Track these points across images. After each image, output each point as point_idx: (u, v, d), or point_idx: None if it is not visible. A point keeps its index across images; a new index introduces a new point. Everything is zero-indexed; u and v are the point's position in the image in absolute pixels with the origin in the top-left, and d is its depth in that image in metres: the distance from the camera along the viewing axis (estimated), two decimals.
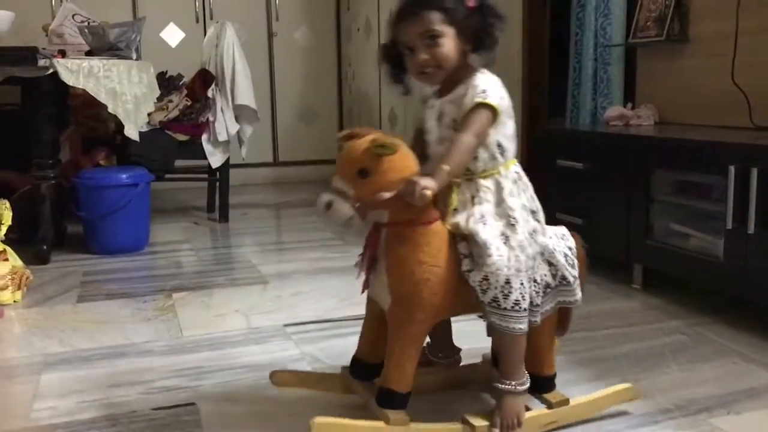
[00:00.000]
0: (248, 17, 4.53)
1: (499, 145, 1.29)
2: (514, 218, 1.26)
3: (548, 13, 3.56)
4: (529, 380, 1.34)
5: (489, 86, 1.25)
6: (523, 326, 1.26)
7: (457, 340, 1.55)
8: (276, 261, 2.76)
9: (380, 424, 1.26)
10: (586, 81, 2.90)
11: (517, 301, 1.23)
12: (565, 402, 1.37)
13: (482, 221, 1.25)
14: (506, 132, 1.30)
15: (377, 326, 1.35)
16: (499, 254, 1.22)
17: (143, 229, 2.91)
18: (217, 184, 3.56)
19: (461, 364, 1.56)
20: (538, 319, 1.30)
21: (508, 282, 1.22)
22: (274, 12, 4.79)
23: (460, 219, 1.27)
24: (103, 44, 2.84)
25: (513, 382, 1.31)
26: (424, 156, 1.34)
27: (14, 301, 2.18)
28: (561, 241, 1.35)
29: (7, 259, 2.22)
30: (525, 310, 1.25)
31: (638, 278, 2.26)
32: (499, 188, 1.28)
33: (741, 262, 1.83)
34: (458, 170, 1.24)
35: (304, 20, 4.90)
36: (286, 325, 1.96)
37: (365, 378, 1.40)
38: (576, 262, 1.35)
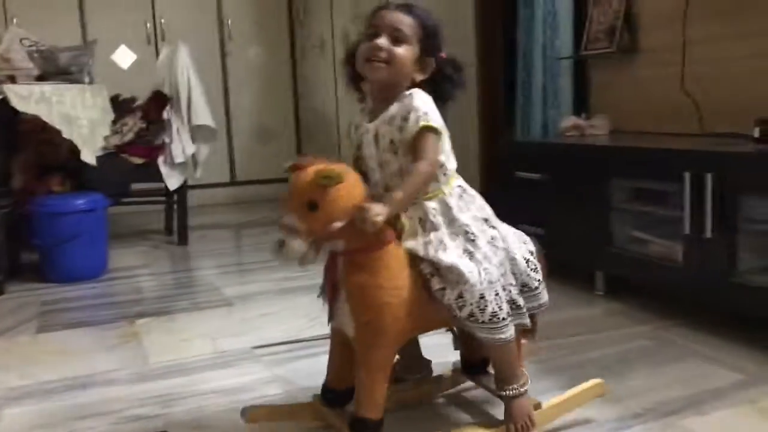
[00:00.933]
0: (200, 37, 4.50)
1: (441, 165, 1.29)
2: (471, 233, 1.27)
3: (501, 27, 3.62)
4: (529, 378, 1.36)
5: (428, 107, 1.26)
6: (507, 335, 1.27)
7: (428, 354, 1.56)
8: (239, 282, 2.73)
9: None
10: (536, 93, 2.95)
11: (494, 312, 1.25)
12: (538, 406, 1.39)
13: (441, 247, 1.25)
14: (445, 149, 1.31)
15: (343, 353, 1.35)
16: (469, 271, 1.23)
17: (101, 255, 2.85)
18: (175, 206, 3.52)
19: (433, 375, 1.57)
20: (525, 319, 1.31)
21: (482, 297, 1.24)
22: (227, 31, 4.77)
23: (417, 246, 1.27)
24: (54, 68, 2.79)
25: (515, 386, 1.34)
26: (366, 181, 1.33)
27: None
28: (522, 245, 1.36)
29: None
30: (503, 319, 1.26)
31: (600, 285, 2.30)
32: (446, 208, 1.29)
33: (699, 266, 1.88)
34: (410, 199, 1.24)
35: (257, 39, 4.89)
36: (254, 348, 1.94)
37: (336, 405, 1.39)
38: (538, 266, 1.36)
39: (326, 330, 1.95)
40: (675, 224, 1.97)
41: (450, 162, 1.32)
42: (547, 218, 2.40)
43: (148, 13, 4.58)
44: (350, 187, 1.19)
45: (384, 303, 1.21)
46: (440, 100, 1.31)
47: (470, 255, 1.26)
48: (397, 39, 1.27)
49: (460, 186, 1.33)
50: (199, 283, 2.79)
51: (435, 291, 1.25)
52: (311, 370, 1.72)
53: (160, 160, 3.32)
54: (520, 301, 1.31)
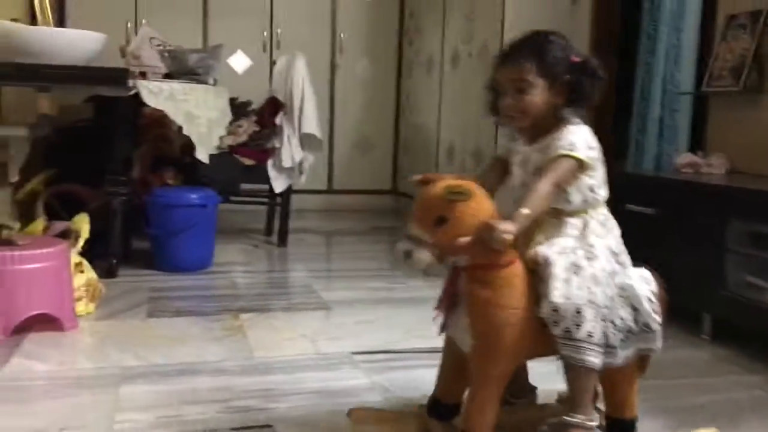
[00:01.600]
0: (313, 48, 4.62)
1: (591, 189, 1.33)
2: (592, 253, 1.29)
3: (616, 57, 3.57)
4: (597, 419, 1.34)
5: (576, 139, 1.30)
6: (597, 360, 1.25)
7: (534, 381, 1.55)
8: (336, 288, 2.78)
9: None
10: (652, 126, 2.88)
11: (590, 333, 1.24)
12: None
13: (558, 251, 1.28)
14: (598, 179, 1.35)
15: (456, 367, 1.36)
16: (567, 285, 1.24)
17: (209, 249, 2.96)
18: (278, 208, 3.62)
19: (538, 402, 1.56)
20: (616, 361, 1.30)
21: (579, 312, 1.23)
22: (338, 44, 4.89)
23: (539, 248, 1.29)
24: (182, 68, 2.94)
25: (582, 417, 1.31)
26: (498, 182, 1.40)
27: (87, 313, 2.24)
28: (645, 285, 1.34)
29: (82, 271, 2.28)
30: (597, 344, 1.25)
31: (707, 329, 2.22)
32: (585, 226, 1.32)
33: None
34: (536, 213, 1.25)
35: (366, 53, 4.98)
36: (353, 353, 1.97)
37: (443, 418, 1.40)
38: (659, 308, 1.34)
39: (423, 344, 2.01)
40: None
41: (602, 190, 1.36)
42: (656, 254, 2.33)
43: (266, 21, 4.74)
44: (479, 204, 1.22)
45: (505, 322, 1.23)
46: (581, 104, 1.33)
47: (578, 270, 1.26)
48: (522, 90, 1.31)
49: (604, 214, 1.37)
50: (297, 284, 2.86)
51: (538, 306, 1.25)
52: (409, 381, 1.76)
53: (269, 163, 3.44)
54: (616, 342, 1.29)
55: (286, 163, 3.44)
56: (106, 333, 2.09)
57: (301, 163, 3.59)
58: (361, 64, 4.99)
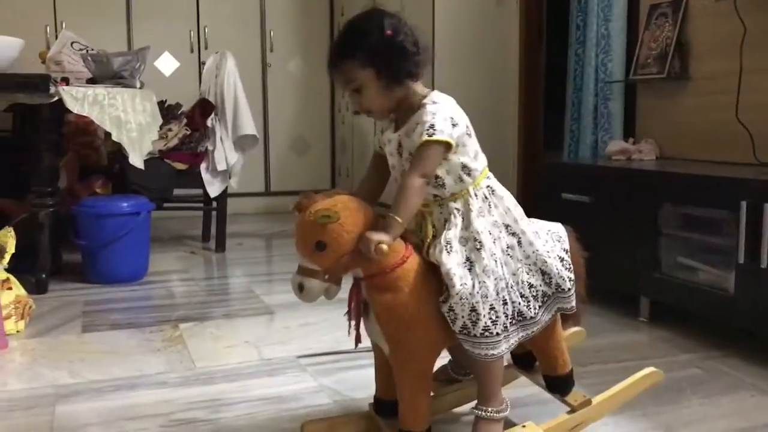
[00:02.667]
0: (242, 47, 4.55)
1: (464, 166, 1.29)
2: (479, 242, 1.25)
3: (544, 50, 3.63)
4: (508, 407, 1.34)
5: (437, 119, 1.24)
6: (497, 351, 1.25)
7: None
8: (278, 291, 2.73)
9: None
10: (586, 116, 2.94)
11: (486, 327, 1.23)
12: (588, 402, 1.39)
13: (447, 249, 1.25)
14: (468, 152, 1.29)
15: (387, 366, 1.35)
16: (462, 283, 1.22)
17: (143, 258, 2.87)
18: (214, 213, 3.54)
19: None
20: (536, 330, 1.31)
21: (474, 310, 1.22)
22: (268, 43, 4.82)
23: (431, 252, 1.28)
24: (106, 72, 2.83)
25: (490, 409, 1.31)
26: (384, 177, 1.39)
27: (17, 331, 2.14)
28: (557, 243, 1.34)
29: (10, 288, 2.18)
30: (497, 334, 1.24)
31: (645, 311, 2.28)
32: (467, 209, 1.28)
33: (753, 296, 1.85)
34: (410, 214, 1.25)
35: (298, 52, 4.94)
36: (299, 357, 1.94)
37: (389, 415, 1.39)
38: (570, 264, 1.34)
39: (367, 343, 1.98)
40: (726, 253, 1.95)
41: (476, 162, 1.31)
42: (593, 241, 2.38)
43: (193, 22, 4.64)
44: (351, 219, 1.20)
45: (412, 319, 1.23)
46: (409, 75, 1.28)
47: (471, 266, 1.25)
48: (356, 90, 1.28)
49: (489, 186, 1.32)
50: (238, 290, 2.80)
51: (440, 302, 1.25)
52: (358, 382, 1.74)
53: (203, 167, 3.36)
54: (531, 313, 1.29)
55: (220, 166, 3.37)
56: (39, 351, 2.00)
57: (233, 166, 3.52)
58: (294, 63, 4.94)
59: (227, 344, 2.06)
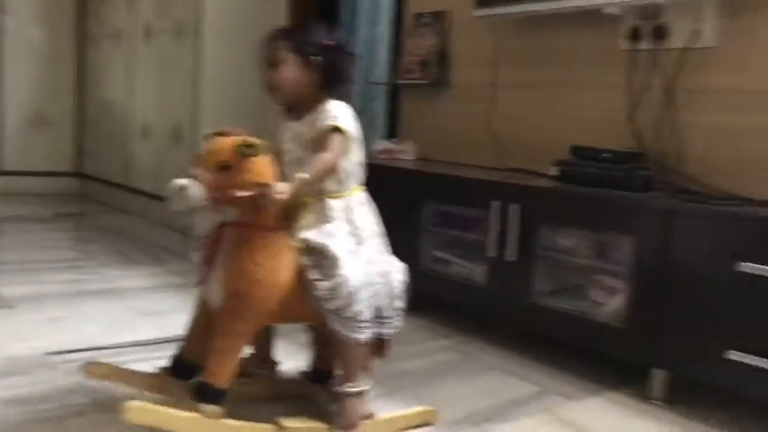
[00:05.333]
0: None
1: (348, 171, 1.41)
2: (362, 236, 1.38)
3: None
4: (367, 384, 1.42)
5: (340, 112, 1.38)
6: (363, 336, 1.35)
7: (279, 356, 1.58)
8: (17, 282, 2.44)
9: (195, 414, 1.26)
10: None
11: (360, 311, 1.32)
12: (371, 416, 1.45)
13: (332, 237, 1.34)
14: (353, 159, 1.42)
15: (204, 324, 1.37)
16: (348, 267, 1.31)
17: None
18: None
19: (280, 376, 1.59)
20: (390, 330, 1.43)
21: (351, 293, 1.31)
22: (3, 4, 4.28)
23: (310, 234, 1.35)
24: None
25: (355, 384, 1.39)
26: (282, 174, 1.42)
27: None
28: (398, 273, 1.46)
29: None
30: (366, 321, 1.34)
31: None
32: (348, 208, 1.40)
33: (501, 287, 2.06)
34: (315, 182, 1.34)
35: (40, 18, 4.45)
36: (48, 354, 1.75)
37: (186, 377, 1.38)
38: (403, 296, 1.47)
39: (125, 338, 1.90)
40: (478, 248, 2.14)
41: (359, 171, 1.45)
42: None
43: None
44: (264, 165, 1.27)
45: (256, 279, 1.28)
46: (333, 86, 1.42)
47: (353, 253, 1.34)
48: (275, 64, 1.39)
49: (366, 198, 1.46)
50: None
51: (311, 281, 1.31)
52: None
53: None
54: (387, 313, 1.41)
55: None
56: None
57: None
58: (34, 30, 4.45)
59: None
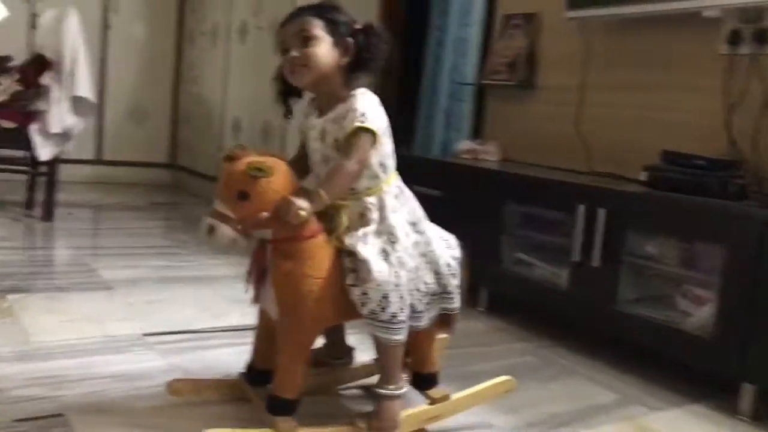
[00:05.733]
0: (83, 4, 4.22)
1: (381, 164, 1.36)
2: (394, 235, 1.33)
3: (401, 45, 3.72)
4: (406, 385, 1.42)
5: (368, 109, 1.31)
6: (400, 337, 1.33)
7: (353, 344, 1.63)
8: (117, 266, 2.58)
9: (269, 431, 1.29)
10: (438, 114, 3.07)
11: (394, 314, 1.30)
12: (447, 397, 1.47)
13: (363, 240, 1.31)
14: (386, 151, 1.37)
15: (268, 335, 1.39)
16: (378, 270, 1.29)
17: None
18: (43, 179, 3.27)
19: (354, 365, 1.63)
20: (422, 323, 1.38)
21: (385, 297, 1.29)
22: (112, 3, 4.52)
23: (347, 240, 1.33)
24: None
25: (391, 387, 1.38)
26: (310, 168, 1.41)
27: None
28: (447, 249, 1.43)
29: None
30: (402, 322, 1.32)
31: (484, 301, 2.43)
32: (382, 205, 1.35)
33: (585, 292, 2.03)
34: (335, 196, 1.30)
35: (143, 15, 4.68)
36: (145, 335, 1.86)
37: (260, 384, 1.42)
38: (458, 271, 1.44)
39: (218, 323, 1.98)
40: (561, 251, 2.12)
41: (390, 161, 1.38)
42: None
43: None
44: (280, 180, 1.26)
45: (307, 291, 1.28)
46: (366, 72, 1.35)
47: (386, 255, 1.32)
48: (306, 40, 1.30)
49: (398, 186, 1.40)
50: (71, 262, 2.62)
51: (347, 285, 1.30)
52: (207, 361, 1.71)
53: (33, 128, 3.09)
54: (421, 307, 1.37)
55: (54, 128, 3.12)
56: None
57: (69, 130, 3.27)
58: (138, 27, 4.67)
59: (65, 318, 1.92)
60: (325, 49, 1.31)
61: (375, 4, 3.55)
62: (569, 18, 2.51)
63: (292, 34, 1.31)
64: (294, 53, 1.31)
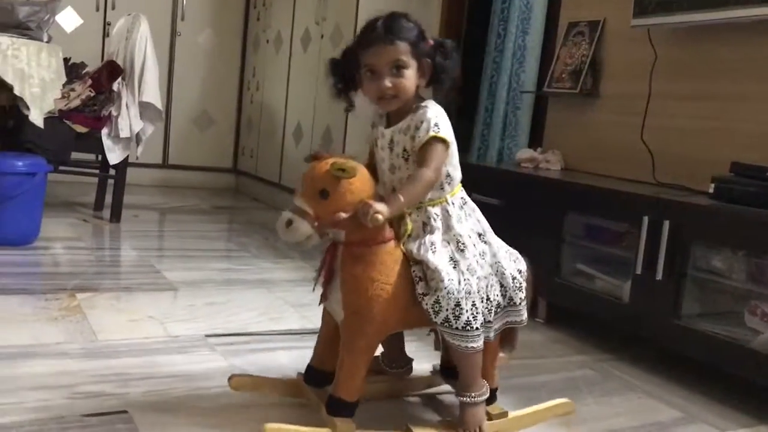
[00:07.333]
0: (152, 12, 4.34)
1: (448, 175, 1.37)
2: (462, 243, 1.34)
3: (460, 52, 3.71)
4: (488, 390, 1.42)
5: (440, 119, 1.33)
6: (476, 344, 1.33)
7: (411, 353, 1.63)
8: (181, 268, 2.65)
9: (327, 431, 1.31)
10: (496, 121, 3.05)
11: (468, 321, 1.31)
12: (504, 414, 1.47)
13: (432, 249, 1.32)
14: (453, 162, 1.39)
15: (331, 337, 1.42)
16: (449, 278, 1.29)
17: (35, 222, 2.70)
18: (112, 181, 3.38)
19: (412, 374, 1.63)
20: (492, 335, 1.38)
21: (458, 304, 1.29)
22: (180, 11, 4.65)
23: (413, 246, 1.34)
24: (10, 20, 2.64)
25: (473, 394, 1.39)
26: (376, 177, 1.42)
27: None
28: (512, 263, 1.43)
29: None
30: (477, 329, 1.32)
31: (542, 312, 2.39)
32: (446, 215, 1.36)
33: (647, 306, 1.99)
34: (413, 202, 1.32)
35: (210, 23, 4.79)
36: (207, 336, 1.90)
37: (318, 385, 1.45)
38: (524, 284, 1.43)
39: (278, 326, 2.01)
40: (623, 263, 2.08)
41: (456, 172, 1.40)
42: None
43: None
44: (361, 183, 1.29)
45: (374, 295, 1.29)
46: (444, 85, 1.35)
47: (455, 264, 1.32)
48: (399, 67, 1.31)
49: (462, 198, 1.41)
50: (137, 263, 2.70)
51: (418, 294, 1.31)
52: (268, 364, 1.73)
53: (104, 132, 3.20)
54: (490, 317, 1.37)
55: (124, 132, 3.22)
56: None
57: (138, 135, 3.38)
58: (204, 35, 4.79)
59: (130, 318, 1.99)
60: (412, 76, 1.32)
61: (437, 11, 3.57)
62: (635, 25, 2.46)
63: (384, 63, 1.30)
64: (387, 83, 1.31)
